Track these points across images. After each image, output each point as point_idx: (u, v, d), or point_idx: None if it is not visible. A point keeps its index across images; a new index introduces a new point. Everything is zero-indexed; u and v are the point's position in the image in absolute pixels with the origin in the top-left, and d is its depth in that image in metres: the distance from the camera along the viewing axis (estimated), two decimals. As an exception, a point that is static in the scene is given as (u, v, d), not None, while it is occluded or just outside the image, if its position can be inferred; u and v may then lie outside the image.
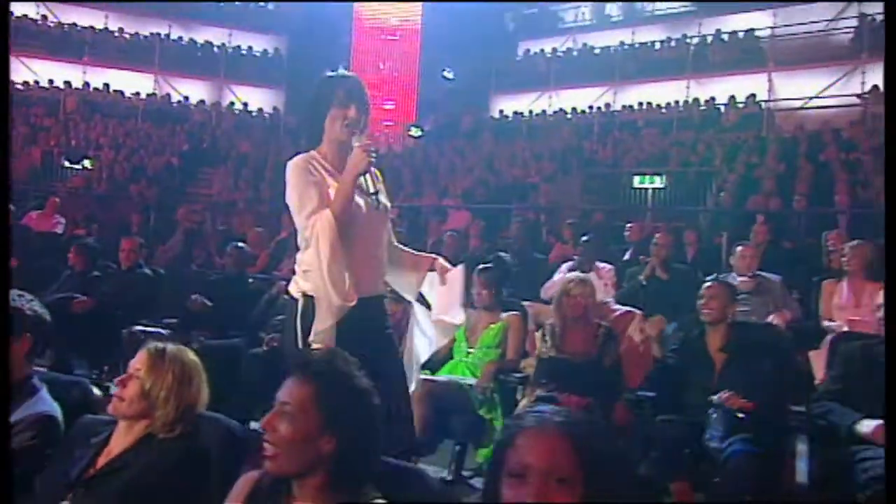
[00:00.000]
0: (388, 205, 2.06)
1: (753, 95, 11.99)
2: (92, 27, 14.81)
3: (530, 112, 14.00)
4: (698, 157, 9.95)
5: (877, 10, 11.98)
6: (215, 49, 15.71)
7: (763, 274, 4.18)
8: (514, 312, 3.29)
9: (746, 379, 2.52)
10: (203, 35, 15.90)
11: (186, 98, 14.69)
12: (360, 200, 1.92)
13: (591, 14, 15.54)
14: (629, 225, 5.97)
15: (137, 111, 13.45)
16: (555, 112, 13.78)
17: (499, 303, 3.31)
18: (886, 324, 1.98)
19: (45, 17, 14.18)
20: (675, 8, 14.63)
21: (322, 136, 1.98)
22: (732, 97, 12.02)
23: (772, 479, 2.33)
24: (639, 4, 15.06)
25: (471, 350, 3.20)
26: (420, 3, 14.69)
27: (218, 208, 8.75)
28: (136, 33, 15.19)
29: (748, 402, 2.41)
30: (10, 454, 1.25)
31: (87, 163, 9.76)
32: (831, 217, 6.84)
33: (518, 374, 3.07)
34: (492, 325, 3.21)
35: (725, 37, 13.31)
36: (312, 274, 1.84)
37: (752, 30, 12.97)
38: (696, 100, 12.51)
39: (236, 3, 16.49)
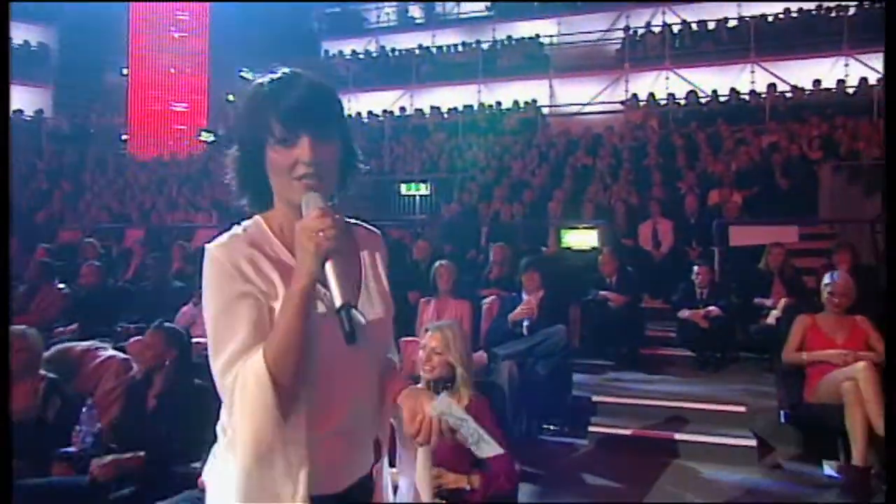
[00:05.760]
0: (384, 307, 1.12)
1: (535, 101, 12.33)
2: None
3: (326, 115, 13.49)
4: (464, 163, 9.94)
5: (639, 24, 12.84)
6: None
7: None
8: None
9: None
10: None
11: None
12: (321, 324, 0.97)
13: (395, 15, 15.35)
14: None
15: None
16: (350, 116, 13.36)
17: None
18: (887, 323, 2.09)
19: None
20: (475, 11, 14.81)
21: (270, 192, 1.04)
22: (516, 102, 12.28)
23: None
24: (439, 6, 15.07)
25: None
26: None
27: None
28: None
29: None
30: (10, 453, 1.28)
31: None
32: (544, 227, 6.92)
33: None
34: None
35: (514, 42, 13.63)
36: (235, 462, 0.97)
37: (538, 36, 13.38)
38: (481, 104, 12.64)
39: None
